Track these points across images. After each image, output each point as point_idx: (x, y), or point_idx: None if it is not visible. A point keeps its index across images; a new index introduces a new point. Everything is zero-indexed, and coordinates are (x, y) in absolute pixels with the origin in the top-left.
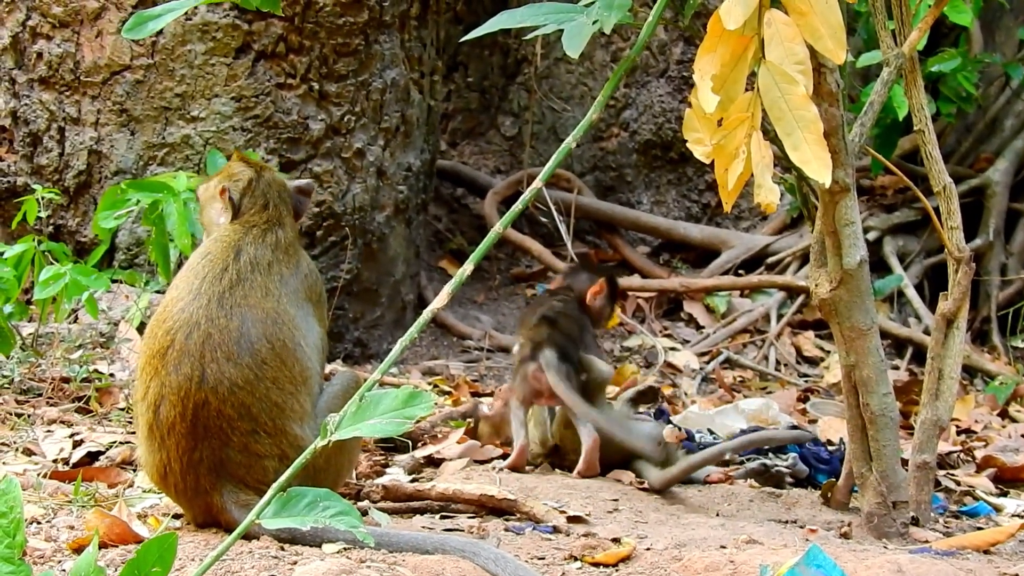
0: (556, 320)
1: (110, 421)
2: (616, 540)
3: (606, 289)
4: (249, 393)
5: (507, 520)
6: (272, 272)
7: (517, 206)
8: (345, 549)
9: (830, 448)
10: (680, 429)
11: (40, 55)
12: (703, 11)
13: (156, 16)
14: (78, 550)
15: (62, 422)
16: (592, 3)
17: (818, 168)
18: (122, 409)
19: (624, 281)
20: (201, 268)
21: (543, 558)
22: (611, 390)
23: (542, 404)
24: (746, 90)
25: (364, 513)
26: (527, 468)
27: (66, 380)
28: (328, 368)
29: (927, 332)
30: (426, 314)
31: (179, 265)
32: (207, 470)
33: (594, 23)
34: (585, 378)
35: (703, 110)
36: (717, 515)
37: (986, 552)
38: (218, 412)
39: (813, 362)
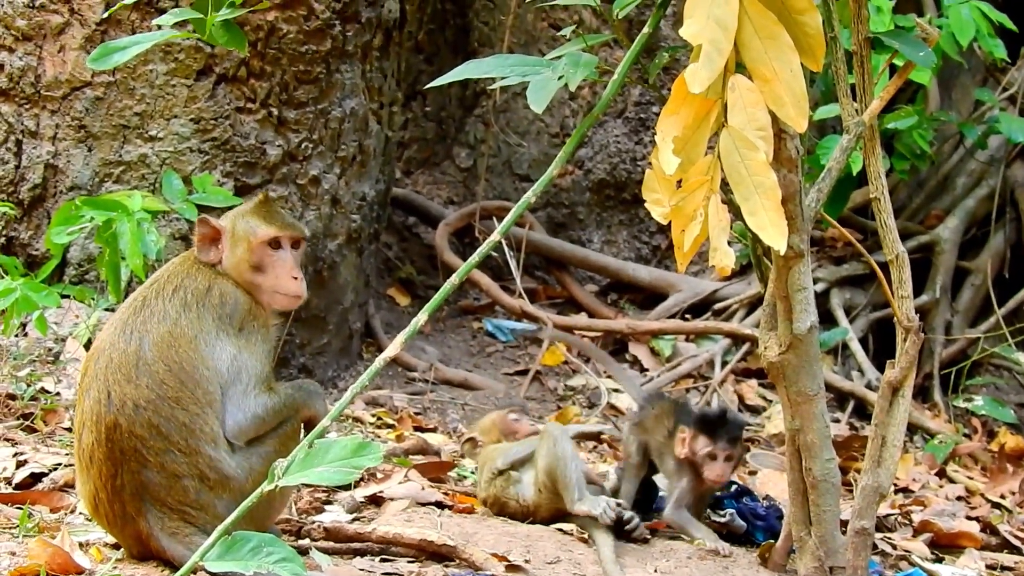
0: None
1: (55, 442)
2: None
3: (689, 433)
4: (154, 412)
5: (447, 566)
6: (175, 297)
7: (473, 259)
8: None
9: (765, 504)
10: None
11: (1, 67)
12: (671, 66)
13: (122, 48)
14: None
15: (6, 439)
16: (559, 58)
17: (774, 235)
18: (67, 429)
19: (570, 320)
20: (130, 298)
21: None
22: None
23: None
24: (707, 153)
25: (305, 553)
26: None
27: (12, 397)
28: None
29: (870, 386)
30: (378, 363)
31: (129, 284)
32: (130, 495)
33: (559, 79)
34: None
35: (663, 171)
36: (656, 571)
37: None
38: (129, 433)
39: (755, 411)
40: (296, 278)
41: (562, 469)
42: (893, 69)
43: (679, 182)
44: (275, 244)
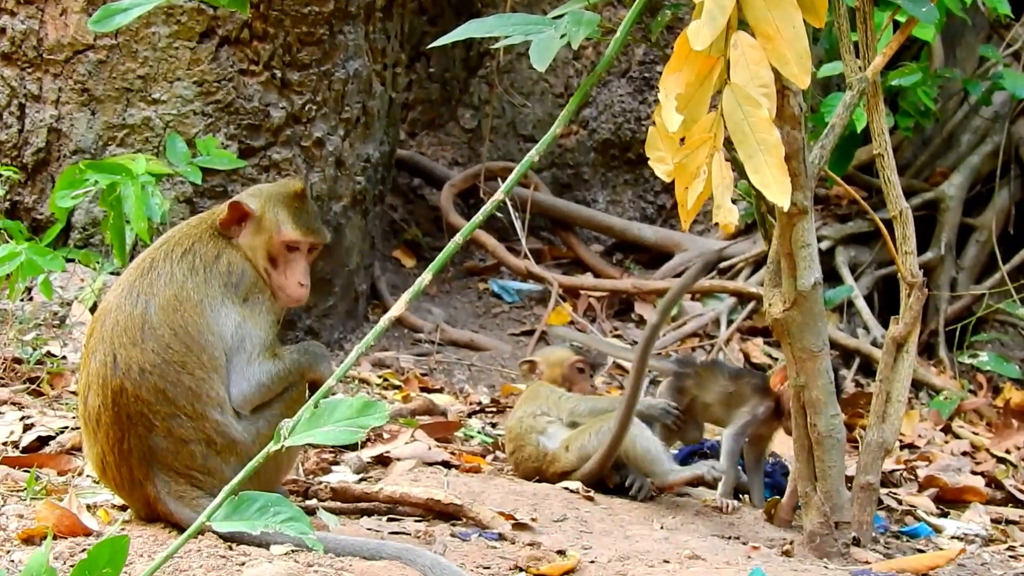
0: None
1: (61, 405)
2: (561, 552)
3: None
4: (160, 377)
5: (453, 525)
6: (183, 261)
7: (477, 218)
8: (292, 551)
9: (770, 460)
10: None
11: (3, 30)
12: (674, 25)
13: (123, 10)
14: (28, 540)
15: (13, 403)
16: (560, 16)
17: (777, 192)
18: (73, 392)
19: (576, 280)
20: (137, 259)
21: (488, 567)
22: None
23: None
24: (710, 111)
25: (312, 513)
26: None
27: (18, 361)
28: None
29: (875, 344)
30: (382, 323)
31: (134, 248)
32: (138, 460)
33: (562, 37)
34: None
35: (666, 128)
36: (661, 527)
37: None
38: (136, 397)
39: (761, 368)
40: (302, 285)
41: (643, 444)
42: (896, 26)
43: (682, 140)
44: (294, 246)
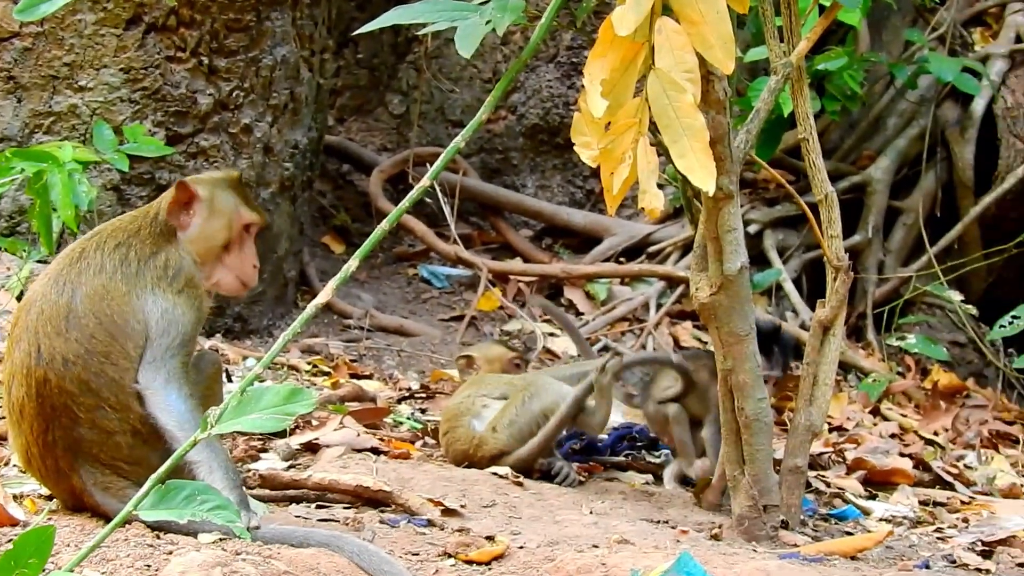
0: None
1: None
2: (490, 537)
3: None
4: (83, 368)
5: (382, 511)
6: (116, 252)
7: (404, 204)
8: (220, 539)
9: None
10: None
11: None
12: (601, 9)
13: None
14: None
15: None
16: (486, 2)
17: (703, 177)
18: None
19: (505, 265)
20: (67, 248)
21: (417, 554)
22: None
23: None
24: (635, 96)
25: None
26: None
27: None
28: (208, 344)
29: (804, 327)
30: (309, 309)
31: (61, 235)
32: (62, 451)
33: (487, 23)
34: None
35: (591, 114)
36: (591, 512)
37: (853, 558)
38: (59, 389)
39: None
40: (255, 267)
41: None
42: (822, 10)
43: (608, 125)
44: (248, 228)
